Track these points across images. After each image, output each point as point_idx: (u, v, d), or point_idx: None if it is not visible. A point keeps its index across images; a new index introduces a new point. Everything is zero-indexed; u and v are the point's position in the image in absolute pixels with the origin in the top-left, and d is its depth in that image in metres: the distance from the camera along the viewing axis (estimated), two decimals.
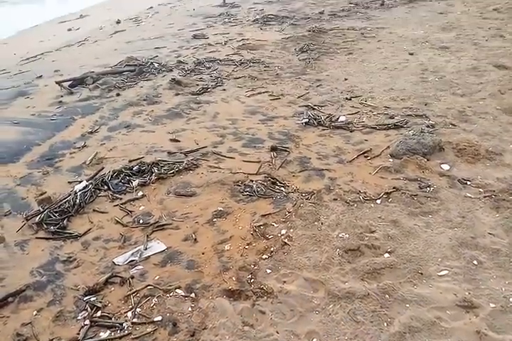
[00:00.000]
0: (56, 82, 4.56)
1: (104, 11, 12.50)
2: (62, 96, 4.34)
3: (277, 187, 2.62)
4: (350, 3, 7.61)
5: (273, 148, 3.02)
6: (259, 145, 3.14)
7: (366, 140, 3.09)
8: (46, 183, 2.79)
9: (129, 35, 6.97)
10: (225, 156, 3.02)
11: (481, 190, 2.48)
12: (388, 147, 2.95)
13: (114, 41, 6.71)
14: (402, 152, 2.82)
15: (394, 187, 2.52)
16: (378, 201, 2.42)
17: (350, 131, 3.24)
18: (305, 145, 3.08)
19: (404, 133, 3.06)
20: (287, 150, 3.01)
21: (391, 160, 2.83)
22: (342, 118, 3.38)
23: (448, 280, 1.87)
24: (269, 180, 2.68)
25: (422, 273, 1.92)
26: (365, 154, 2.90)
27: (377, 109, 3.59)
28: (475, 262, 1.96)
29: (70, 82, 4.61)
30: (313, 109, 3.63)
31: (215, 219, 2.37)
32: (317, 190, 2.54)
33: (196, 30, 6.58)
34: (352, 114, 3.51)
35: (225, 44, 5.69)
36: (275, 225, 2.28)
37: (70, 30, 10.20)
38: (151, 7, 9.47)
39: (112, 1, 15.54)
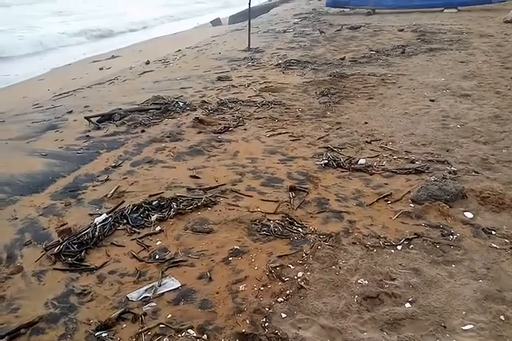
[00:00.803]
0: (85, 117, 4.77)
1: (135, 53, 13.31)
2: (89, 130, 4.51)
3: (295, 227, 2.61)
4: (371, 51, 7.86)
5: (292, 188, 3.03)
6: (277, 184, 3.16)
7: (386, 184, 3.08)
8: (68, 214, 2.84)
9: (156, 75, 7.32)
10: (243, 194, 3.04)
11: (506, 240, 2.40)
12: (409, 192, 2.92)
13: (142, 80, 7.04)
14: (423, 197, 2.79)
15: (415, 234, 2.46)
16: (399, 247, 2.37)
17: (370, 174, 3.24)
18: (324, 186, 3.09)
19: (425, 178, 3.05)
20: (306, 190, 3.02)
21: (412, 205, 2.79)
22: (362, 161, 3.40)
23: (473, 335, 1.77)
24: (287, 220, 2.67)
25: (445, 327, 1.82)
26: (386, 198, 2.87)
27: (397, 153, 3.60)
28: (502, 317, 1.86)
29: (98, 118, 4.82)
30: (333, 150, 3.67)
31: (230, 258, 2.34)
32: (335, 232, 2.51)
33: (221, 72, 6.89)
34: (372, 157, 3.54)
35: (248, 86, 5.92)
36: (292, 267, 2.23)
37: (101, 69, 10.85)
38: (179, 50, 10.03)
39: (143, 43, 16.61)
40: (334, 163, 3.40)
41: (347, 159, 3.47)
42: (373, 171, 3.27)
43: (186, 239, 2.53)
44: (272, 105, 5.00)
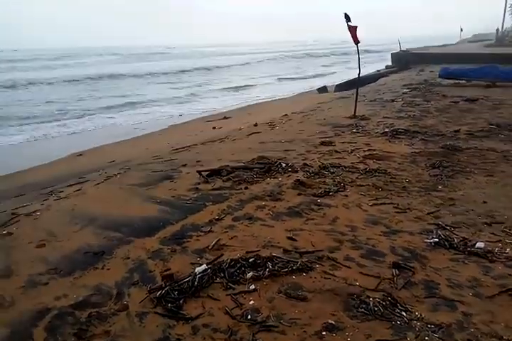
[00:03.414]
0: (197, 171, 5.22)
1: (245, 115, 14.56)
2: (199, 183, 4.88)
3: (398, 310, 2.37)
4: (491, 125, 7.35)
5: (395, 265, 2.82)
6: (379, 258, 2.97)
7: (511, 275, 2.68)
8: (172, 260, 3.02)
9: (263, 136, 7.79)
10: (340, 264, 2.91)
11: None
12: None
13: (249, 141, 7.55)
14: None
15: None
16: None
17: (490, 262, 2.85)
18: (433, 268, 2.80)
19: None
20: (412, 269, 2.77)
21: None
22: (480, 245, 3.03)
23: None
24: (389, 300, 2.45)
25: None
26: (510, 292, 2.48)
27: None
28: None
29: (208, 172, 5.22)
30: (445, 229, 3.36)
31: (324, 333, 2.20)
32: (447, 323, 2.21)
33: (324, 137, 7.07)
34: (492, 241, 3.14)
35: (351, 152, 5.93)
36: None
37: (214, 128, 12.03)
38: (286, 114, 10.67)
39: (253, 106, 18.17)
40: (446, 243, 3.09)
41: (462, 240, 3.14)
42: (494, 258, 2.87)
43: (279, 303, 2.47)
44: (376, 173, 4.88)
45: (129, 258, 3.09)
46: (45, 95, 22.67)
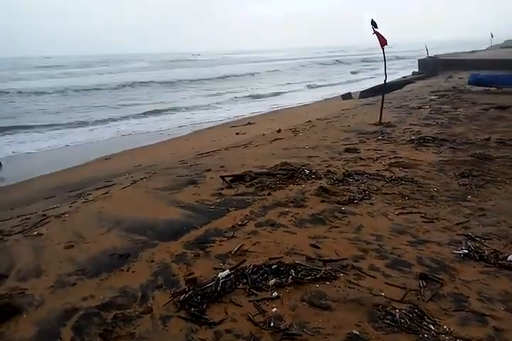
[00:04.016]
0: (220, 176, 5.26)
1: (268, 121, 14.62)
2: (222, 188, 4.90)
3: (425, 323, 2.30)
4: None
5: (422, 276, 2.74)
6: (405, 268, 2.90)
7: None
8: (195, 265, 3.05)
9: (286, 142, 7.78)
10: (365, 273, 2.85)
11: None
12: None
13: (272, 147, 7.55)
14: None
15: None
16: None
17: None
18: (462, 280, 2.71)
19: None
20: (440, 281, 2.69)
21: None
22: None
23: None
24: (416, 312, 2.39)
25: None
26: None
27: None
28: None
29: (231, 178, 5.25)
30: (474, 240, 3.25)
31: None
32: (477, 339, 2.13)
33: (349, 144, 7.00)
34: None
35: (376, 160, 5.84)
36: None
37: (237, 133, 12.14)
38: (309, 121, 10.64)
39: (276, 112, 18.23)
40: (476, 255, 2.98)
41: (493, 252, 3.02)
42: None
43: (302, 312, 2.45)
44: (403, 181, 4.78)
45: (153, 261, 3.13)
46: (71, 102, 23.56)
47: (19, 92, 27.50)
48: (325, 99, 21.97)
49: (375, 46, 8.67)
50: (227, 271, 2.86)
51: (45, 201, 5.75)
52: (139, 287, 2.77)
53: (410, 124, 8.52)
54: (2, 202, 6.74)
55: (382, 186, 4.69)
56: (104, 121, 17.10)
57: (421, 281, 2.69)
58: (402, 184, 4.72)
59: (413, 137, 7.10)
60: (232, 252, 3.22)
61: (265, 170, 5.56)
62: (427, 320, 2.32)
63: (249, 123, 14.60)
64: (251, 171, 5.46)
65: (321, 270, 2.87)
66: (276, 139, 8.30)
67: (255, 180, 5.10)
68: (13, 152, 12.09)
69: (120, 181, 6.05)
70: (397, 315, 2.35)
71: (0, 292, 2.81)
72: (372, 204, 4.19)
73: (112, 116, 17.85)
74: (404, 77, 25.21)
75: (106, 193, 5.21)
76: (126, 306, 2.55)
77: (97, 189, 5.70)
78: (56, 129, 15.58)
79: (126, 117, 17.92)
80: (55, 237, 3.74)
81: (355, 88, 22.98)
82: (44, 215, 4.45)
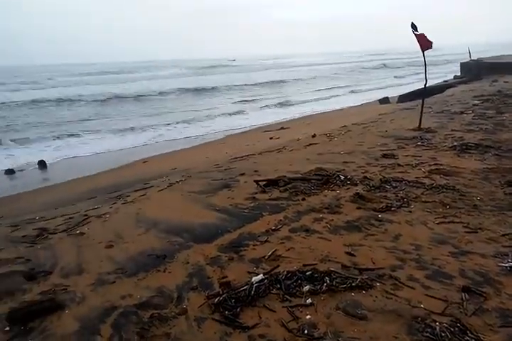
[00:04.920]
0: (254, 181, 5.27)
1: (302, 126, 14.56)
2: (256, 193, 4.92)
3: (467, 338, 2.19)
4: None
5: (465, 289, 2.61)
6: (446, 280, 2.78)
7: None
8: (229, 268, 3.07)
9: (321, 148, 7.70)
10: (403, 284, 2.76)
11: None
12: None
13: (307, 152, 7.50)
14: None
15: None
16: None
17: None
18: (509, 294, 2.56)
19: None
20: (484, 295, 2.56)
21: None
22: None
23: None
24: (458, 326, 2.28)
25: None
26: None
27: None
28: None
29: (265, 182, 5.26)
30: None
31: None
32: None
33: (386, 149, 6.82)
34: None
35: (415, 166, 5.66)
36: None
37: (271, 138, 12.17)
38: (345, 126, 10.48)
39: (311, 116, 18.13)
40: None
41: None
42: None
43: (337, 320, 2.40)
44: (443, 189, 4.59)
45: (188, 263, 3.19)
46: (111, 110, 24.53)
47: (71, 100, 28.77)
48: (361, 104, 21.59)
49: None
50: (260, 276, 2.86)
51: (86, 201, 6.00)
52: (175, 288, 2.82)
53: (452, 130, 8.19)
54: (47, 202, 7.12)
55: (422, 194, 4.53)
56: (144, 127, 17.74)
57: (463, 294, 2.57)
58: (443, 192, 4.53)
59: (455, 143, 6.81)
60: (266, 257, 3.22)
61: (299, 175, 5.52)
62: (469, 335, 2.21)
63: (282, 128, 14.60)
64: (285, 176, 5.44)
65: (356, 278, 2.81)
66: (310, 144, 8.24)
67: (289, 185, 5.08)
68: (59, 156, 12.85)
69: (157, 184, 6.22)
70: (438, 328, 2.26)
71: (44, 288, 2.96)
72: (410, 212, 4.05)
73: (150, 123, 18.45)
74: (446, 81, 24.34)
75: (144, 195, 5.37)
76: (163, 306, 2.61)
77: (136, 191, 5.88)
78: (98, 135, 16.35)
79: (164, 123, 18.50)
80: (96, 237, 3.89)
81: (398, 92, 22.37)
82: (86, 215, 4.65)
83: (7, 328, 2.49)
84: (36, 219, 4.92)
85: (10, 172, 11.05)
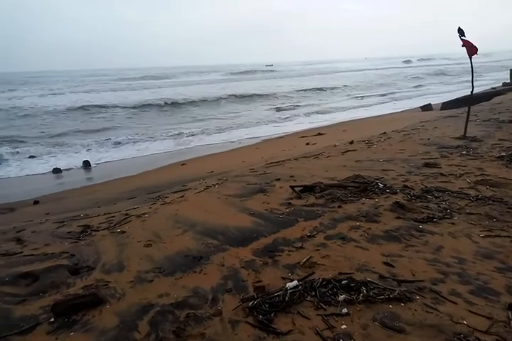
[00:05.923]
0: (290, 186, 5.26)
1: (340, 132, 14.36)
2: (292, 198, 4.90)
3: None
4: None
5: None
6: (491, 297, 2.63)
7: None
8: (263, 272, 3.07)
9: (359, 154, 7.55)
10: (445, 298, 2.65)
11: None
12: None
13: (344, 158, 7.37)
14: None
15: None
16: None
17: None
18: None
19: None
20: None
21: None
22: None
23: None
24: None
25: None
26: None
27: None
28: None
29: (301, 188, 5.23)
30: None
31: None
32: None
33: (428, 158, 6.59)
34: None
35: (459, 176, 5.42)
36: None
37: (307, 144, 12.09)
38: (384, 132, 10.23)
39: (348, 123, 17.84)
40: None
41: None
42: None
43: (374, 332, 2.33)
44: (490, 201, 4.37)
45: (223, 265, 3.22)
46: (152, 118, 25.27)
47: (115, 106, 29.77)
48: (402, 111, 21.00)
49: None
50: (295, 282, 2.83)
51: (127, 201, 6.22)
52: (210, 289, 2.86)
53: (499, 139, 7.79)
54: (90, 200, 7.45)
55: (466, 205, 4.33)
56: (185, 133, 18.17)
57: (510, 312, 2.43)
58: (489, 204, 4.31)
59: (503, 153, 6.48)
60: (301, 263, 3.19)
61: (336, 182, 5.45)
62: None
63: (319, 134, 14.47)
64: (321, 182, 5.39)
65: (395, 290, 2.72)
66: (348, 151, 8.10)
67: (325, 192, 5.01)
68: (102, 157, 13.48)
69: (194, 186, 6.35)
70: None
71: (87, 282, 3.09)
72: (454, 224, 3.89)
73: (191, 131, 18.81)
74: (493, 88, 23.21)
75: (182, 197, 5.49)
76: (198, 307, 2.65)
77: (174, 192, 6.03)
78: (137, 139, 16.95)
79: (204, 130, 18.84)
80: (136, 235, 4.02)
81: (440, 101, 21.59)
82: (127, 214, 4.82)
83: (52, 319, 2.62)
84: (80, 216, 5.16)
85: (57, 171, 11.70)
